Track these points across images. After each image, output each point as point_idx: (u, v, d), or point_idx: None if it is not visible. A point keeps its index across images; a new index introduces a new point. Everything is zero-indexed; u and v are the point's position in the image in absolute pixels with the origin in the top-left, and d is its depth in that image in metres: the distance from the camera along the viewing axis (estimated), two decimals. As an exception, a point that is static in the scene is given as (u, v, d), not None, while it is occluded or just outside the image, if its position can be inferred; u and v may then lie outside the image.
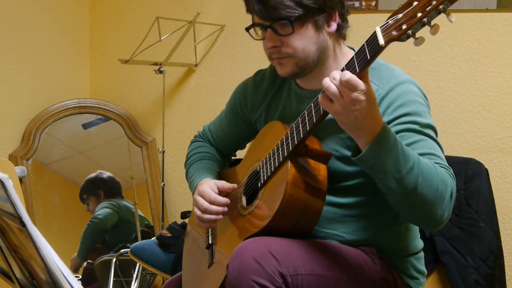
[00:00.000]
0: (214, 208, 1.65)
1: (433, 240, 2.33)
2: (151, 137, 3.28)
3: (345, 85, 1.28)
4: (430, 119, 1.51)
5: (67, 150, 3.23)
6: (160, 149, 3.07)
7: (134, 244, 2.68)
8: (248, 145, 1.93)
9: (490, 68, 2.57)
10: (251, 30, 1.60)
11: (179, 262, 2.40)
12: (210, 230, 1.79)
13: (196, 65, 3.13)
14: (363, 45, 1.31)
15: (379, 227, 1.60)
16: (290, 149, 1.49)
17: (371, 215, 1.59)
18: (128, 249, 2.69)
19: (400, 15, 1.26)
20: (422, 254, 1.69)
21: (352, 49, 1.64)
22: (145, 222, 3.18)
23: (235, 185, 1.69)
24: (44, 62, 3.19)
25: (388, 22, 1.27)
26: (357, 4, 2.73)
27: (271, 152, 1.57)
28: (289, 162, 1.48)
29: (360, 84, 1.28)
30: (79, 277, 3.07)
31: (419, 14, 1.24)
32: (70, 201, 3.21)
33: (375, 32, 1.28)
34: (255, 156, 1.70)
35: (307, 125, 1.45)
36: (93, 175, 3.22)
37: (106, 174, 3.23)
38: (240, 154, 1.95)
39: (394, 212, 1.61)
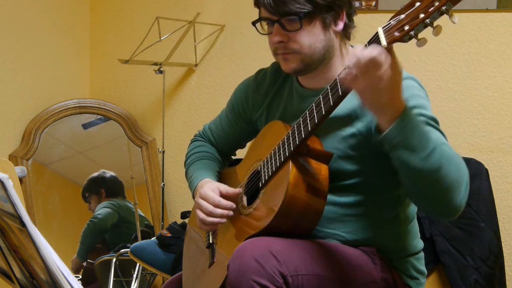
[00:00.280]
0: (219, 211, 1.65)
1: (433, 240, 2.33)
2: (151, 137, 3.27)
3: (372, 61, 1.26)
4: (432, 113, 1.51)
5: (67, 150, 3.23)
6: (160, 149, 3.07)
7: (134, 244, 2.68)
8: (248, 144, 1.93)
9: (490, 68, 2.58)
10: (257, 24, 1.60)
11: (179, 262, 2.40)
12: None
13: (196, 65, 3.13)
14: (365, 46, 1.30)
15: (380, 227, 1.60)
16: (291, 149, 1.49)
17: (371, 215, 1.59)
18: (128, 249, 2.69)
19: (402, 16, 1.26)
20: (422, 254, 1.69)
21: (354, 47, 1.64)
22: (145, 222, 3.18)
23: (240, 190, 1.68)
24: (44, 62, 3.19)
25: (390, 23, 1.27)
26: (357, 4, 2.74)
27: (272, 152, 1.57)
28: (290, 162, 1.48)
29: (387, 60, 1.26)
30: (79, 277, 3.07)
31: (422, 15, 1.23)
32: (70, 201, 3.21)
33: (377, 32, 1.28)
34: (256, 156, 1.70)
35: (309, 125, 1.45)
36: (95, 174, 3.22)
37: (109, 173, 3.23)
38: (240, 153, 1.95)
39: (394, 212, 1.61)
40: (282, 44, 1.55)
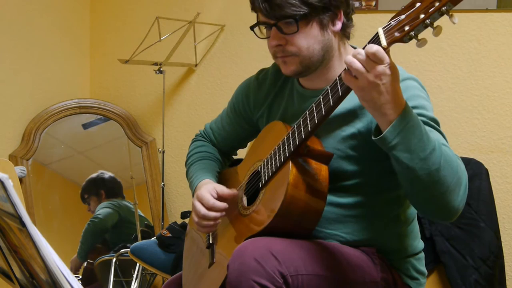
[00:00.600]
0: (212, 214, 1.65)
1: (433, 240, 2.33)
2: (151, 137, 3.28)
3: (371, 58, 1.26)
4: (433, 113, 1.51)
5: (67, 150, 3.23)
6: (160, 149, 3.07)
7: (134, 244, 2.68)
8: (249, 144, 1.93)
9: (490, 68, 2.58)
10: (256, 29, 1.60)
11: (179, 262, 2.40)
12: (210, 230, 1.79)
13: (196, 65, 3.13)
14: (365, 46, 1.30)
15: (380, 228, 1.60)
16: (292, 149, 1.49)
17: (371, 216, 1.59)
18: (128, 249, 2.69)
19: (402, 16, 1.26)
20: (422, 254, 1.69)
21: (356, 48, 1.64)
22: (145, 222, 3.18)
23: (235, 191, 1.68)
24: (44, 62, 3.19)
25: (390, 23, 1.27)
26: (357, 4, 2.74)
27: (273, 152, 1.57)
28: (290, 162, 1.48)
29: (386, 57, 1.27)
30: (79, 277, 3.07)
31: (422, 16, 1.23)
32: (70, 201, 3.21)
33: (377, 33, 1.28)
34: (256, 156, 1.70)
35: (309, 125, 1.45)
36: (94, 175, 3.22)
37: (108, 174, 3.23)
38: (241, 153, 1.95)
39: (395, 213, 1.61)
40: (281, 47, 1.55)
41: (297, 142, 1.47)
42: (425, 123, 1.45)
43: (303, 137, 1.46)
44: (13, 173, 2.64)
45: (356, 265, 1.53)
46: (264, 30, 1.59)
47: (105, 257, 3.08)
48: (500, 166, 2.58)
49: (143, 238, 3.04)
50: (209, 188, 1.69)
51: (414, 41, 1.26)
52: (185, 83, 3.21)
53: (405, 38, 1.26)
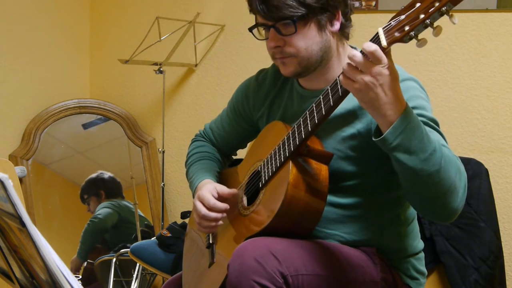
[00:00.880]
0: (213, 214, 1.65)
1: (433, 240, 2.33)
2: (151, 137, 3.28)
3: (369, 56, 1.26)
4: (432, 114, 1.51)
5: (67, 150, 3.23)
6: (160, 149, 3.07)
7: (134, 244, 2.68)
8: (249, 144, 1.93)
9: (490, 68, 2.58)
10: (254, 30, 1.60)
11: (179, 262, 2.40)
12: (210, 230, 1.79)
13: (196, 65, 3.13)
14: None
15: (380, 228, 1.60)
16: (292, 149, 1.49)
17: (371, 216, 1.59)
18: (128, 249, 2.69)
19: (402, 17, 1.26)
20: (422, 254, 1.69)
21: (355, 49, 1.64)
22: (145, 222, 3.18)
23: (235, 191, 1.68)
24: (44, 62, 3.19)
25: (390, 23, 1.27)
26: (357, 4, 2.74)
27: (273, 152, 1.57)
28: (290, 162, 1.48)
29: (384, 57, 1.26)
30: (79, 277, 3.07)
31: (422, 16, 1.23)
32: (70, 201, 3.21)
33: (377, 33, 1.28)
34: (256, 156, 1.70)
35: (309, 125, 1.45)
36: (94, 175, 3.22)
37: (107, 174, 3.23)
38: (241, 153, 1.95)
39: (395, 213, 1.61)
40: (279, 48, 1.55)
41: (297, 142, 1.47)
42: (425, 123, 1.45)
43: (303, 137, 1.46)
44: (13, 173, 2.64)
45: (356, 265, 1.53)
46: (263, 32, 1.59)
47: (105, 257, 3.08)
48: (500, 166, 2.58)
49: (143, 238, 3.04)
50: (210, 188, 1.69)
51: (414, 41, 1.26)
52: (185, 83, 3.21)
53: (405, 38, 1.26)
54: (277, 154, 1.54)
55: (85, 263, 3.10)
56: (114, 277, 2.95)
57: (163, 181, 3.07)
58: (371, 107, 1.32)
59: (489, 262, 2.30)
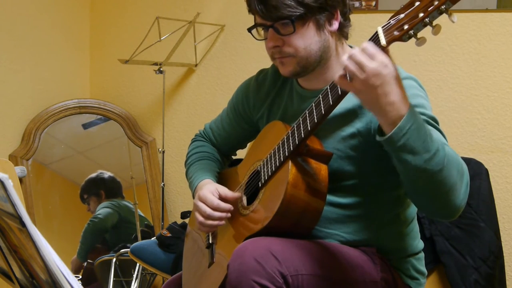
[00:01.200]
0: (217, 214, 1.65)
1: (433, 240, 2.33)
2: (151, 137, 3.28)
3: (363, 53, 1.26)
4: (432, 113, 1.51)
5: (67, 150, 3.23)
6: (160, 149, 3.07)
7: (134, 244, 2.68)
8: (249, 144, 1.93)
9: (490, 68, 2.58)
10: (253, 31, 1.60)
11: (179, 262, 2.40)
12: (210, 230, 1.79)
13: (196, 65, 3.13)
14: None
15: (380, 227, 1.60)
16: (291, 149, 1.49)
17: (372, 215, 1.59)
18: (128, 249, 2.69)
19: (402, 15, 1.26)
20: (422, 254, 1.69)
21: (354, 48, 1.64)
22: (145, 222, 3.18)
23: (238, 194, 1.68)
24: (44, 62, 3.19)
25: (390, 22, 1.27)
26: (357, 4, 2.74)
27: (272, 152, 1.57)
28: (290, 162, 1.48)
29: (379, 53, 1.26)
30: (79, 277, 3.07)
31: (421, 14, 1.23)
32: (70, 201, 3.21)
33: (377, 32, 1.28)
34: (256, 156, 1.70)
35: (308, 124, 1.45)
36: (93, 175, 3.22)
37: (107, 174, 3.23)
38: (241, 153, 1.95)
39: (395, 212, 1.61)
40: (278, 48, 1.55)
41: (297, 141, 1.47)
42: (425, 121, 1.45)
43: (303, 136, 1.46)
44: (13, 173, 2.64)
45: (356, 265, 1.53)
46: (262, 32, 1.60)
47: (105, 257, 3.08)
48: (500, 166, 2.58)
49: (143, 238, 3.04)
50: (211, 189, 1.69)
51: (413, 40, 1.26)
52: (185, 83, 3.21)
53: (404, 37, 1.26)
54: (277, 153, 1.54)
55: (85, 263, 3.10)
56: (114, 277, 2.95)
57: (163, 181, 3.07)
58: (372, 108, 1.32)
59: (489, 262, 2.30)
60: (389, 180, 1.55)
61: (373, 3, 2.74)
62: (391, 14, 1.29)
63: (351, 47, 1.65)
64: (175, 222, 2.79)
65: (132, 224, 3.13)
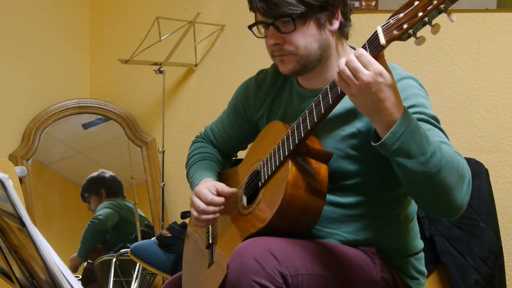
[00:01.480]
0: (211, 209, 1.65)
1: (433, 240, 2.33)
2: (151, 137, 3.28)
3: (358, 60, 1.27)
4: (433, 111, 1.51)
5: (67, 150, 3.23)
6: (160, 149, 3.07)
7: (134, 244, 2.68)
8: (249, 145, 1.93)
9: (490, 68, 2.58)
10: (254, 28, 1.60)
11: (179, 262, 2.40)
12: (210, 229, 1.79)
13: (196, 65, 3.13)
14: (364, 44, 1.31)
15: (380, 227, 1.60)
16: (291, 148, 1.49)
17: (372, 215, 1.59)
18: (128, 249, 2.69)
19: (401, 15, 1.27)
20: (422, 254, 1.69)
21: (354, 49, 1.64)
22: (145, 222, 3.18)
23: (235, 190, 1.68)
24: (44, 62, 3.19)
25: (389, 21, 1.28)
26: (357, 4, 2.74)
27: (272, 152, 1.57)
28: (289, 161, 1.48)
29: (373, 62, 1.27)
30: (79, 277, 3.07)
31: (420, 14, 1.24)
32: (70, 201, 3.21)
33: (376, 31, 1.29)
34: (256, 156, 1.71)
35: (308, 124, 1.45)
36: (95, 174, 3.22)
37: (108, 173, 3.23)
38: (241, 154, 1.96)
39: (395, 212, 1.61)
40: (278, 46, 1.56)
41: (297, 141, 1.47)
42: (426, 121, 1.45)
43: (303, 136, 1.46)
44: (13, 173, 2.64)
45: (356, 264, 1.53)
46: (262, 30, 1.60)
47: (105, 257, 3.08)
48: (500, 166, 2.58)
49: (143, 238, 3.04)
50: (208, 185, 1.69)
51: (413, 39, 1.26)
52: (185, 83, 3.21)
53: (403, 36, 1.26)
54: (277, 153, 1.54)
55: (85, 263, 3.10)
56: (114, 277, 2.95)
57: (163, 181, 3.07)
58: (366, 113, 1.34)
59: (489, 262, 2.31)
60: (389, 180, 1.55)
61: (373, 3, 2.74)
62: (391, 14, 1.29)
63: (351, 47, 1.65)
64: (175, 222, 2.79)
65: (132, 224, 3.13)
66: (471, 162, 2.39)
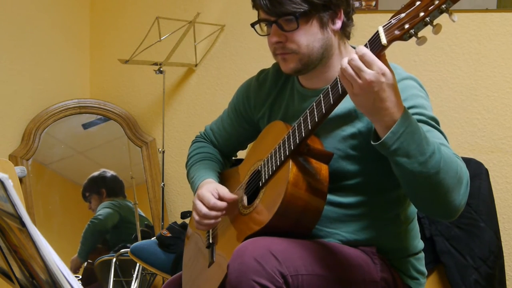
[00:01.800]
0: (213, 213, 1.65)
1: (433, 240, 2.33)
2: (151, 137, 3.28)
3: (360, 59, 1.28)
4: (433, 113, 1.51)
5: (67, 150, 3.23)
6: (160, 149, 3.07)
7: (134, 244, 2.68)
8: (250, 145, 1.93)
9: (490, 68, 2.58)
10: (257, 26, 1.61)
11: (179, 262, 2.40)
12: (210, 229, 1.79)
13: (196, 65, 3.13)
14: (366, 44, 1.31)
15: (380, 227, 1.60)
16: (292, 148, 1.49)
17: (372, 215, 1.59)
18: (128, 249, 2.69)
19: (402, 15, 1.27)
20: (422, 254, 1.69)
21: (355, 48, 1.64)
22: (145, 222, 3.18)
23: (236, 197, 1.68)
24: (44, 62, 3.19)
25: (390, 21, 1.28)
26: (357, 4, 2.74)
27: (273, 152, 1.57)
28: (290, 161, 1.48)
29: (377, 61, 1.28)
30: (79, 277, 3.07)
31: (422, 14, 1.24)
32: (70, 201, 3.21)
33: (377, 31, 1.29)
34: (256, 156, 1.71)
35: (309, 124, 1.45)
36: (96, 173, 3.22)
37: (110, 173, 3.23)
38: (241, 154, 1.95)
39: (395, 212, 1.61)
40: (280, 44, 1.56)
41: (298, 141, 1.47)
42: (425, 122, 1.45)
43: (304, 135, 1.46)
44: (13, 173, 2.64)
45: (356, 265, 1.53)
46: (265, 28, 1.60)
47: (105, 257, 3.08)
48: (500, 166, 2.58)
49: (143, 238, 3.04)
50: (210, 188, 1.69)
51: (414, 39, 1.26)
52: (185, 83, 3.21)
53: (405, 36, 1.26)
54: (277, 153, 1.54)
55: (85, 263, 3.10)
56: (114, 277, 2.95)
57: (163, 181, 3.07)
58: (367, 112, 1.34)
59: (489, 262, 2.30)
60: (390, 180, 1.55)
61: (373, 3, 2.74)
62: (391, 14, 1.30)
63: (353, 47, 1.65)
64: (175, 222, 2.79)
65: (132, 224, 3.13)
66: (471, 162, 2.39)
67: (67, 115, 3.22)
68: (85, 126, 3.27)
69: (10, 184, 1.05)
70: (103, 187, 3.21)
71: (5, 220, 1.17)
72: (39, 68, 3.17)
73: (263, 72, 1.79)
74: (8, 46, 3.00)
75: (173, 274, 1.98)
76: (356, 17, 1.64)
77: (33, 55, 3.13)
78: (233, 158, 2.01)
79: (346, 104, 1.50)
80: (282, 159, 1.52)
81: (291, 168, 1.47)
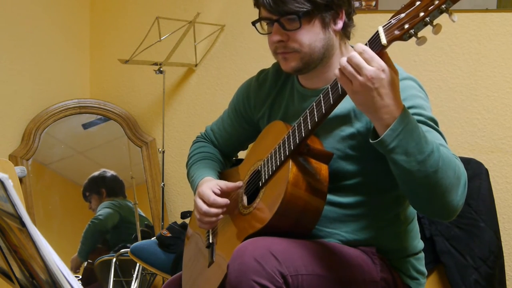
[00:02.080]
0: (214, 211, 1.65)
1: (433, 240, 2.33)
2: (151, 137, 3.28)
3: (362, 57, 1.28)
4: (432, 113, 1.51)
5: (67, 150, 3.23)
6: (160, 149, 3.07)
7: (134, 244, 2.68)
8: (250, 145, 1.93)
9: (490, 68, 2.58)
10: (257, 24, 1.61)
11: (179, 262, 2.40)
12: (211, 229, 1.79)
13: (196, 65, 3.13)
14: (366, 44, 1.31)
15: (380, 227, 1.60)
16: (292, 148, 1.49)
17: (372, 215, 1.59)
18: (128, 249, 2.69)
19: (402, 15, 1.27)
20: (422, 254, 1.69)
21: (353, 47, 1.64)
22: (145, 222, 3.18)
23: (240, 183, 1.68)
24: (44, 62, 3.19)
25: (390, 21, 1.28)
26: (357, 4, 2.74)
27: (273, 151, 1.57)
28: (290, 161, 1.48)
29: (376, 58, 1.28)
30: (79, 277, 3.07)
31: (422, 14, 1.24)
32: (70, 201, 3.21)
33: (377, 31, 1.29)
34: (256, 156, 1.71)
35: (309, 124, 1.45)
36: (96, 173, 3.22)
37: (110, 172, 3.23)
38: (242, 154, 1.96)
39: (395, 212, 1.61)
40: (282, 43, 1.56)
41: (298, 141, 1.48)
42: (424, 122, 1.45)
43: (303, 135, 1.46)
44: (13, 173, 2.64)
45: (356, 265, 1.53)
46: (266, 26, 1.60)
47: (105, 257, 3.08)
48: (500, 166, 2.58)
49: (143, 238, 3.04)
50: (211, 185, 1.69)
51: (414, 39, 1.26)
52: (185, 83, 3.21)
53: (404, 36, 1.26)
54: (277, 153, 1.54)
55: (85, 263, 3.10)
56: (114, 277, 2.95)
57: (163, 181, 3.07)
58: (367, 110, 1.33)
59: (489, 262, 2.30)
60: (389, 180, 1.54)
61: (373, 3, 2.74)
62: (391, 14, 1.30)
63: (352, 47, 1.65)
64: (175, 222, 2.79)
65: (132, 224, 3.13)
66: (471, 162, 2.39)
67: (67, 115, 3.22)
68: (85, 126, 3.27)
69: (10, 184, 1.05)
70: (103, 187, 3.21)
71: (5, 220, 1.17)
72: (39, 68, 3.17)
73: (263, 72, 1.80)
74: (8, 46, 3.00)
75: (173, 274, 1.98)
76: (356, 17, 1.64)
77: (33, 55, 3.13)
78: (234, 158, 2.01)
79: (345, 104, 1.50)
80: (282, 159, 1.52)
81: (291, 168, 1.47)
